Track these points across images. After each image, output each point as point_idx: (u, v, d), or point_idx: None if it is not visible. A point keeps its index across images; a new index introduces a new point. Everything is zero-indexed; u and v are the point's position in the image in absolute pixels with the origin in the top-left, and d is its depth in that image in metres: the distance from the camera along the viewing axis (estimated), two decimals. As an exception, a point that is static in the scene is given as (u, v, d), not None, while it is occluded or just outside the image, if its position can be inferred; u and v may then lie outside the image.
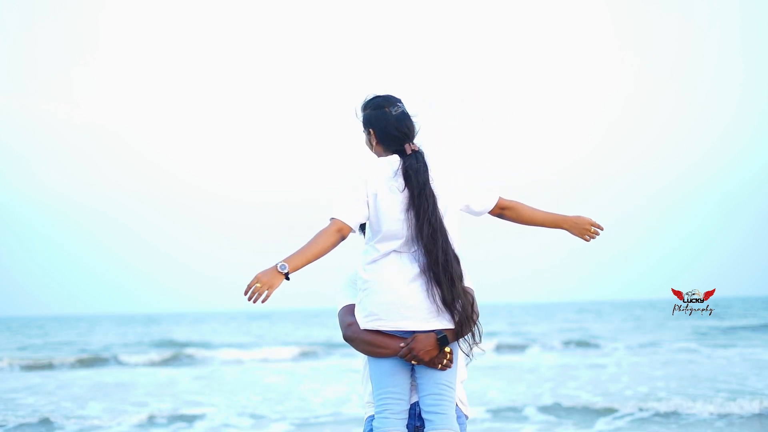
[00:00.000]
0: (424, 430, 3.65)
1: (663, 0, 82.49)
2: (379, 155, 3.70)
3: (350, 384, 15.86)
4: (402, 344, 3.58)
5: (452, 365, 3.64)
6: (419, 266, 3.55)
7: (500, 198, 3.76)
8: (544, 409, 11.95)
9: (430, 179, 3.57)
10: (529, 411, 11.84)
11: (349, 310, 3.76)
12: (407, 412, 3.66)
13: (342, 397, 14.05)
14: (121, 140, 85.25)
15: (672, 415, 11.27)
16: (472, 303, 3.61)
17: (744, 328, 34.45)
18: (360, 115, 3.74)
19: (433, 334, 3.57)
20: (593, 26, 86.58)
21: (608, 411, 11.64)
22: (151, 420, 11.86)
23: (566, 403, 12.42)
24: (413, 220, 3.53)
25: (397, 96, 3.72)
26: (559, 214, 3.83)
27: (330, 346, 27.68)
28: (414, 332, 3.58)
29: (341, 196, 3.55)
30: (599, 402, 12.47)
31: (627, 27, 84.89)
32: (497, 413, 11.69)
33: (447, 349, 3.61)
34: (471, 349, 3.67)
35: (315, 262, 3.47)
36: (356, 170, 3.60)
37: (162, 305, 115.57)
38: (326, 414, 12.16)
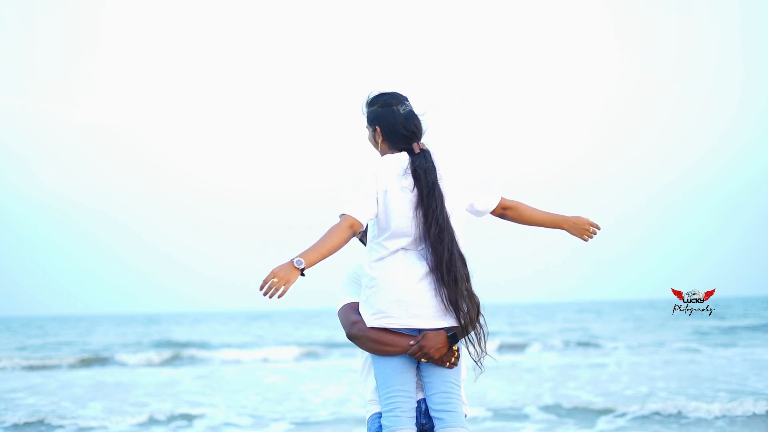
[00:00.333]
0: (435, 428, 3.63)
1: (663, 0, 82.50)
2: (383, 152, 3.68)
3: (350, 384, 15.86)
4: (412, 342, 3.57)
5: (459, 363, 3.65)
6: (428, 264, 3.55)
7: (502, 198, 3.78)
8: (545, 409, 11.95)
9: (439, 178, 3.58)
10: (530, 411, 11.83)
11: (353, 307, 3.73)
12: (415, 410, 3.65)
13: (342, 397, 14.05)
14: (121, 140, 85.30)
15: (672, 415, 11.27)
16: (477, 305, 3.61)
17: (744, 328, 34.45)
18: (365, 111, 3.73)
19: (443, 332, 3.58)
20: (593, 26, 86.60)
21: (608, 411, 11.64)
22: (151, 420, 11.86)
23: (566, 403, 12.41)
24: (421, 219, 3.53)
25: (404, 94, 3.72)
26: (559, 214, 3.86)
27: (330, 346, 27.68)
28: (422, 330, 3.57)
29: (351, 192, 3.52)
30: (599, 402, 12.47)
31: (627, 27, 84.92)
32: (498, 413, 11.69)
33: (455, 348, 3.61)
34: (480, 358, 3.66)
35: (328, 258, 3.44)
36: (366, 166, 3.58)
37: (162, 305, 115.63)
38: (326, 414, 12.16)
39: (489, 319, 3.67)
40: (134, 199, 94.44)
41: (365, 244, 3.99)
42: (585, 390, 14.01)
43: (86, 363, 23.84)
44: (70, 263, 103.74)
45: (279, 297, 3.29)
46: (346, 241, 3.47)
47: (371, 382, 3.77)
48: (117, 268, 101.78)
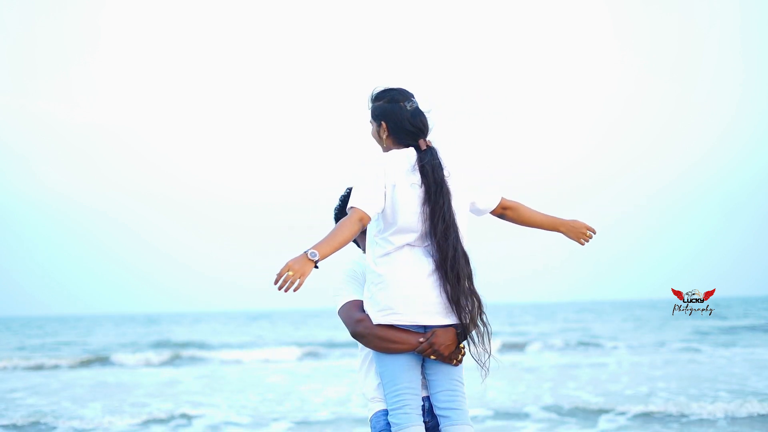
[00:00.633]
0: (441, 426, 3.60)
1: (663, 0, 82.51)
2: (387, 148, 3.66)
3: (350, 384, 15.86)
4: (422, 339, 3.55)
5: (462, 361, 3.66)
6: (434, 261, 3.55)
7: (503, 198, 3.78)
8: (545, 409, 11.95)
9: (446, 176, 3.58)
10: (530, 411, 11.84)
11: (356, 305, 3.68)
12: (420, 408, 3.63)
13: (342, 397, 14.06)
14: (121, 140, 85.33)
15: (672, 415, 11.27)
16: (479, 303, 3.60)
17: (745, 328, 34.46)
18: (370, 105, 3.71)
19: (452, 329, 3.57)
20: (593, 26, 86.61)
21: (609, 411, 11.64)
22: (151, 420, 11.86)
23: (567, 403, 12.42)
24: (428, 216, 3.52)
25: (410, 91, 3.71)
26: (557, 217, 3.88)
27: (330, 346, 27.69)
28: (429, 327, 3.56)
29: (360, 185, 3.50)
30: (600, 402, 12.47)
31: (627, 27, 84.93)
32: (498, 413, 11.69)
33: (461, 345, 3.61)
34: (483, 358, 3.64)
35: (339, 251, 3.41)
36: (374, 160, 3.56)
37: (162, 305, 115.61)
38: (326, 414, 12.16)
39: (489, 319, 3.66)
40: (134, 199, 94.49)
41: (359, 245, 3.98)
42: (585, 390, 14.01)
43: (86, 363, 23.85)
44: (70, 263, 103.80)
45: (295, 290, 3.24)
46: (356, 233, 3.44)
47: (373, 380, 3.73)
48: (117, 268, 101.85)
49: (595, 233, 3.89)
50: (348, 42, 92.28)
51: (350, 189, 3.99)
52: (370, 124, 3.72)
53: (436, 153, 3.61)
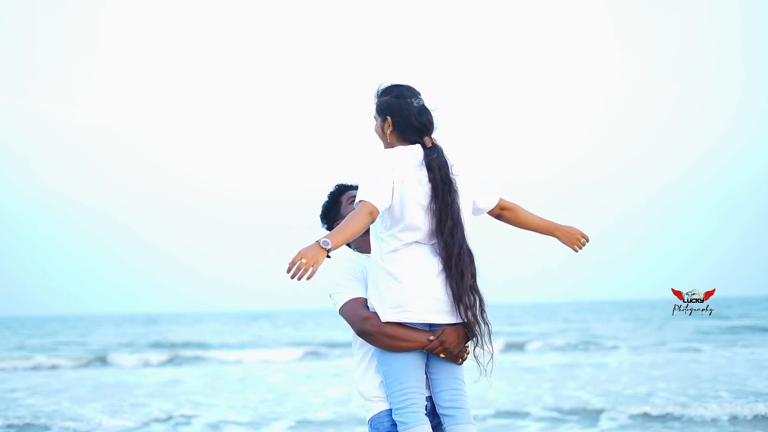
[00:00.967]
0: (445, 425, 3.58)
1: (663, 0, 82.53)
2: (391, 144, 3.65)
3: (350, 384, 15.85)
4: (432, 337, 3.53)
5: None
6: (442, 260, 3.54)
7: (501, 198, 3.78)
8: (545, 409, 11.94)
9: (452, 174, 3.57)
10: (530, 411, 11.83)
11: (360, 302, 3.64)
12: (425, 407, 3.61)
13: (342, 397, 14.05)
14: (121, 140, 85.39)
15: (673, 415, 11.27)
16: (481, 302, 3.59)
17: (745, 328, 34.46)
18: (376, 100, 3.70)
19: (461, 327, 3.56)
20: (593, 26, 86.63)
21: (609, 411, 11.63)
22: (151, 420, 11.86)
23: (567, 403, 12.41)
24: (436, 214, 3.52)
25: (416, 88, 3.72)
26: (553, 222, 3.88)
27: (330, 346, 27.69)
28: (435, 325, 3.54)
29: (368, 179, 3.48)
30: (600, 402, 12.47)
31: (627, 27, 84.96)
32: (498, 413, 11.69)
33: (467, 344, 3.61)
34: (486, 359, 3.62)
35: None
36: (381, 155, 3.55)
37: (162, 305, 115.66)
38: (326, 414, 12.16)
39: (490, 319, 3.66)
40: (134, 199, 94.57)
41: (349, 245, 3.96)
42: (585, 390, 14.01)
43: (86, 363, 23.85)
44: (70, 263, 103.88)
45: (308, 278, 3.21)
46: (366, 226, 3.43)
47: (374, 379, 3.67)
48: (117, 268, 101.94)
49: (588, 241, 3.89)
50: (348, 42, 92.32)
51: (339, 186, 4.01)
52: (375, 119, 3.71)
53: (442, 151, 3.60)
